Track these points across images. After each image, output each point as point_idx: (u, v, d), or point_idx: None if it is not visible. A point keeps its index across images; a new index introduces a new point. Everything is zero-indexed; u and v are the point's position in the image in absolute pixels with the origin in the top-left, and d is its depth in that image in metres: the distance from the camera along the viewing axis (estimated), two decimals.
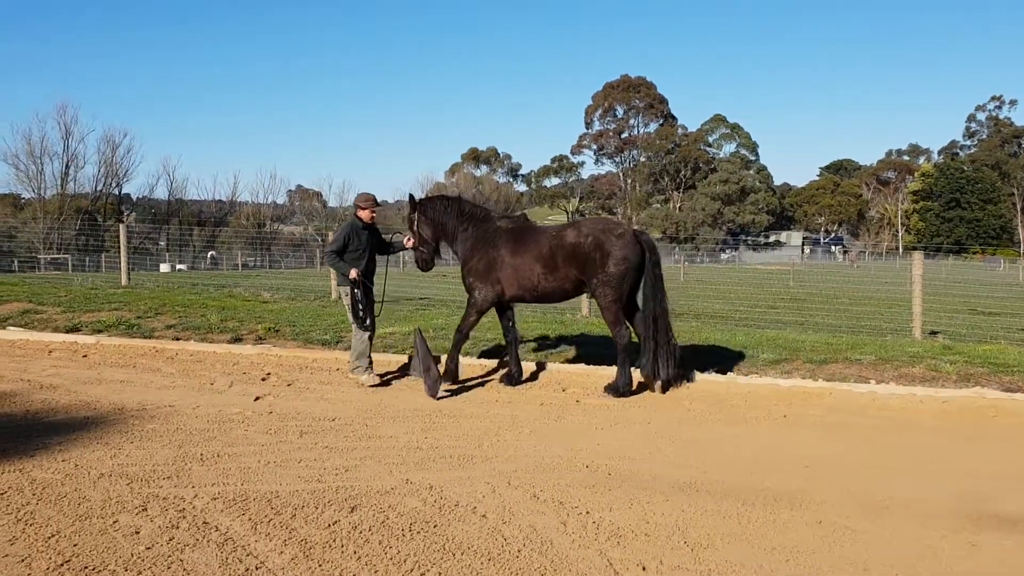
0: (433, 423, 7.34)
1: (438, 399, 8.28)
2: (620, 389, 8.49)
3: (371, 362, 9.10)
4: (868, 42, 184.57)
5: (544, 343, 10.86)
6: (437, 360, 8.76)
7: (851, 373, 9.08)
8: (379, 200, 9.69)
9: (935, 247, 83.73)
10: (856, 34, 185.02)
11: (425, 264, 9.30)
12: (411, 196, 9.25)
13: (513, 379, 8.97)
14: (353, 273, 8.87)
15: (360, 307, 8.91)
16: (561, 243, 8.52)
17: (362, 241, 9.16)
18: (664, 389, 8.60)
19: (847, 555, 4.44)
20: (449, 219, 9.06)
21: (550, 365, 9.59)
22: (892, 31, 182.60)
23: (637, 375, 8.73)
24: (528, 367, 9.54)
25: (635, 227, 8.88)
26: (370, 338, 9.10)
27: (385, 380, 9.24)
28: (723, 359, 9.75)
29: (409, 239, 9.29)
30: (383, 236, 9.73)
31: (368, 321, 8.96)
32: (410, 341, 10.95)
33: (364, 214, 9.23)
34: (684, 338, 11.12)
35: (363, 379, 9.02)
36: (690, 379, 8.90)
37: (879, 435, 7.19)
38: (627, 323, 8.67)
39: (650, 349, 8.48)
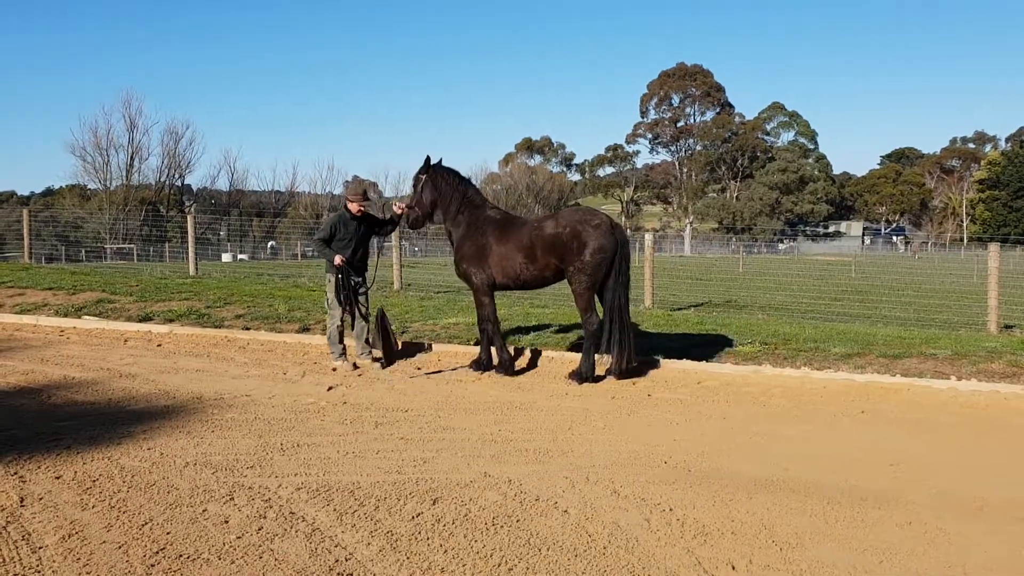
0: (505, 416, 7.34)
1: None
2: (583, 375, 8.71)
3: (344, 349, 9.53)
4: (931, 26, 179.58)
5: None
6: (389, 336, 9.52)
7: (927, 368, 8.84)
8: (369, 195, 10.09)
9: (1002, 237, 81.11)
10: (918, 18, 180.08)
11: (415, 222, 9.44)
12: (427, 158, 9.26)
13: (481, 365, 9.23)
14: (337, 260, 9.19)
15: (342, 293, 9.28)
16: (541, 233, 8.74)
17: (349, 231, 9.45)
18: (620, 377, 8.79)
19: (944, 558, 4.31)
20: (455, 196, 9.17)
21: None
22: (955, 14, 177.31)
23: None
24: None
25: (611, 218, 8.96)
26: (342, 325, 9.54)
27: (437, 370, 9.40)
28: (794, 353, 9.57)
29: (399, 205, 9.49)
30: (375, 215, 10.05)
31: (348, 305, 9.32)
32: (473, 332, 10.99)
33: (353, 207, 9.52)
34: (752, 331, 10.97)
35: (336, 364, 9.40)
36: (764, 374, 8.78)
37: (964, 433, 6.99)
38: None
39: (609, 339, 8.68)
